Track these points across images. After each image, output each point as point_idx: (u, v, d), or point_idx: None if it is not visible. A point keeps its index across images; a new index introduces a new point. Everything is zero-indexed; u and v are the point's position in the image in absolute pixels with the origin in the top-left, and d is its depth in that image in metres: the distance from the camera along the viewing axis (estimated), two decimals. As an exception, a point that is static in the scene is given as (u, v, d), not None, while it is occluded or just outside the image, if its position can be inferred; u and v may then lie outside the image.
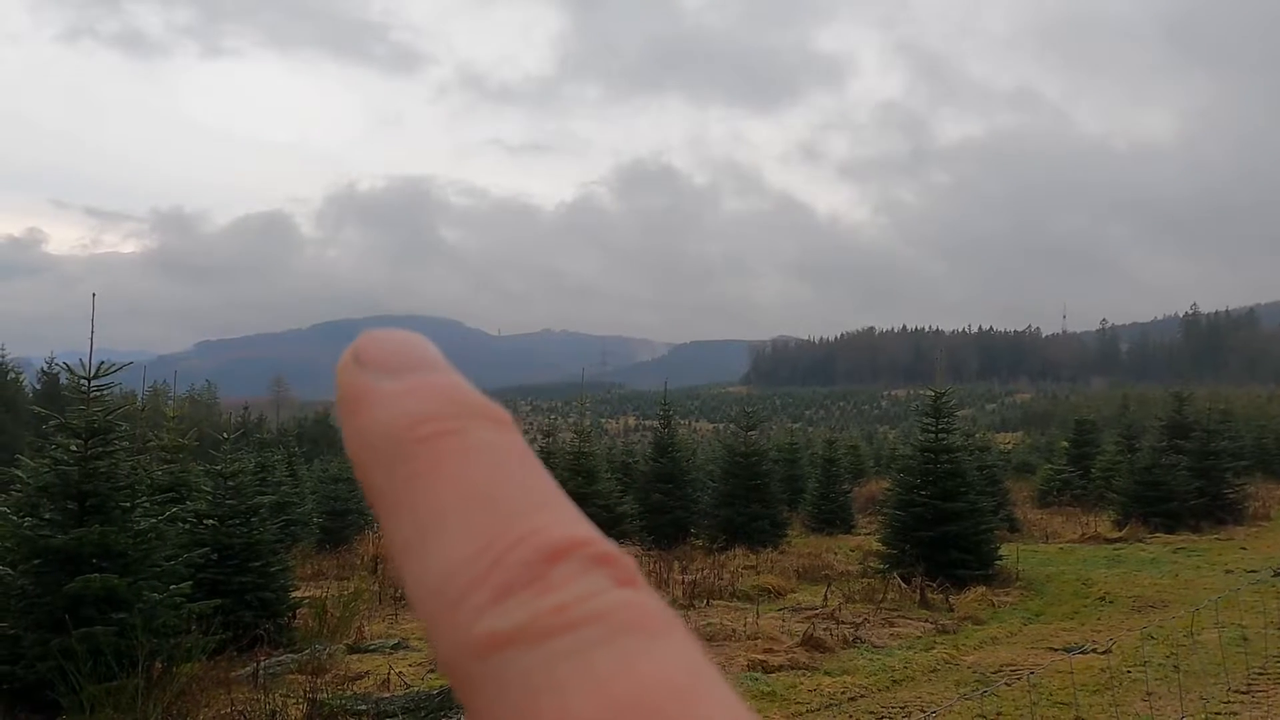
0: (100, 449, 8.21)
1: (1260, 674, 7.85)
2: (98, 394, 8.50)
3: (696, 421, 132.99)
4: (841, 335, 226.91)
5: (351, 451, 0.38)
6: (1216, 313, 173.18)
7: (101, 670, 6.72)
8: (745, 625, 10.03)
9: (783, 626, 10.12)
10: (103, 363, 8.69)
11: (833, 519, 22.35)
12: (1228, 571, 14.50)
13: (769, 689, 7.71)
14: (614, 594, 0.38)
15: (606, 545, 0.38)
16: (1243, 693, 7.28)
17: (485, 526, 0.38)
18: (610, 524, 17.17)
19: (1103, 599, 12.46)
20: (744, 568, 14.89)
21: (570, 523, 0.38)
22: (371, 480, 0.38)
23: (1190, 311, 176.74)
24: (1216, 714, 6.71)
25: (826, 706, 7.38)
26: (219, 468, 10.36)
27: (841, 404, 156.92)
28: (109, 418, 8.36)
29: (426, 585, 0.38)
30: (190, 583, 8.30)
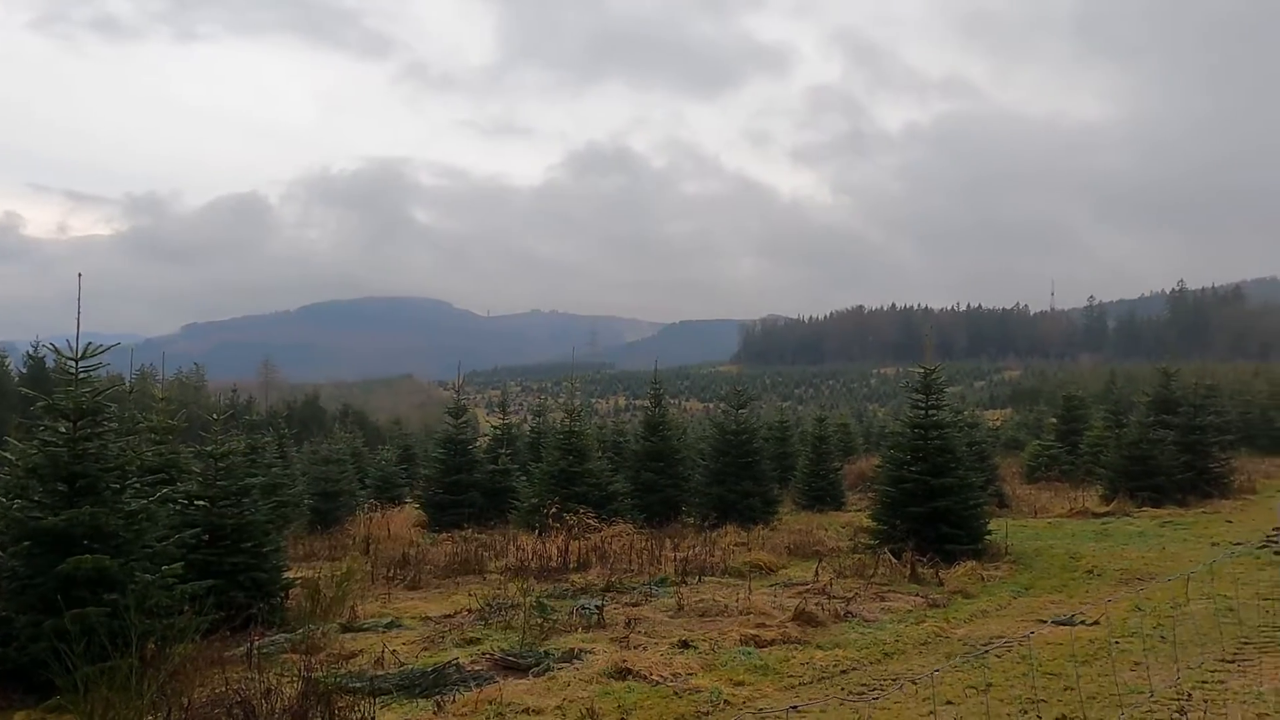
0: (89, 430, 8.16)
1: (1246, 643, 7.94)
2: (85, 375, 8.43)
3: (687, 400, 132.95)
4: (831, 314, 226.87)
5: None
6: (1203, 289, 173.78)
7: (95, 651, 6.70)
8: (738, 601, 10.09)
9: (775, 602, 10.18)
10: (89, 344, 8.61)
11: (823, 496, 22.47)
12: (1214, 544, 14.65)
13: (762, 663, 7.77)
14: None
15: None
16: (1229, 662, 7.37)
17: None
18: (602, 502, 17.21)
19: (1090, 572, 12.58)
20: (735, 545, 14.96)
21: None
22: None
23: (1177, 288, 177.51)
24: (1204, 682, 6.79)
25: (819, 680, 7.44)
26: (209, 449, 10.31)
27: (831, 382, 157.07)
28: (97, 399, 8.29)
29: None
30: (182, 563, 8.29)
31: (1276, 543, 13.73)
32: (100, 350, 8.61)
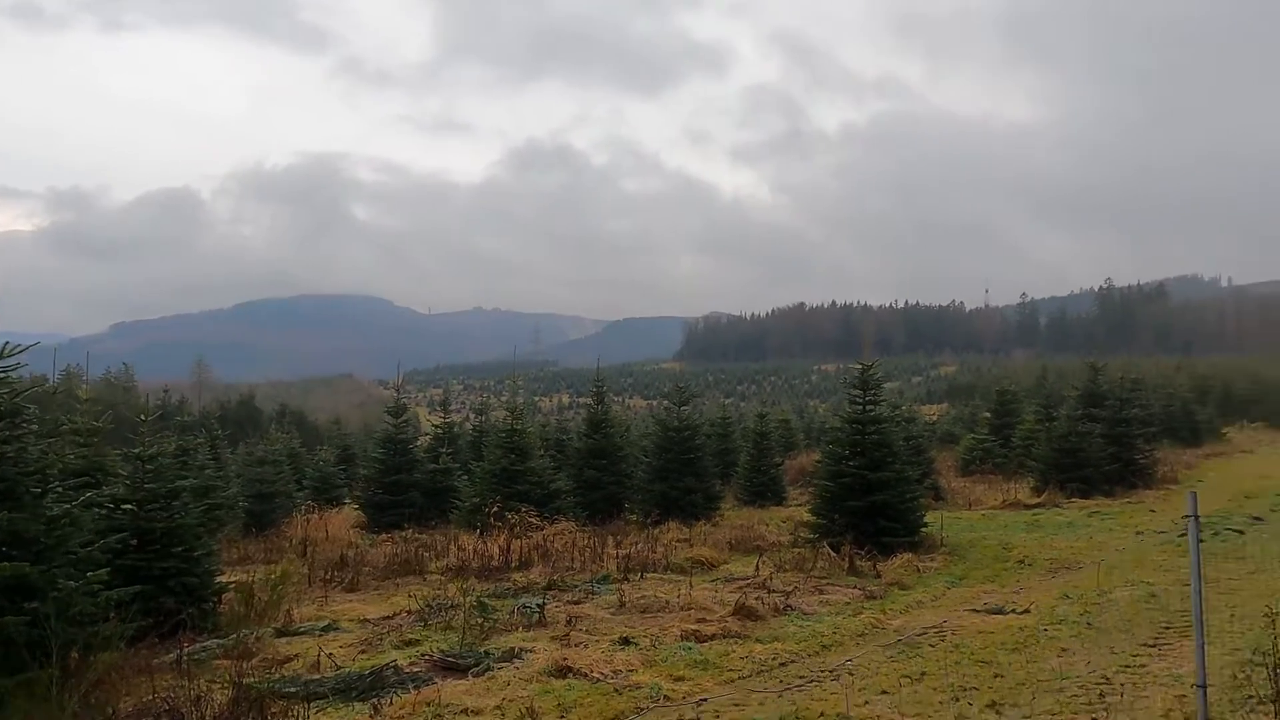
0: (8, 433, 7.85)
1: (1167, 628, 8.23)
2: (4, 376, 8.11)
3: (630, 398, 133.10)
4: (772, 311, 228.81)
5: None
6: (1129, 287, 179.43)
7: (13, 662, 6.46)
8: (679, 596, 10.14)
9: (715, 597, 10.25)
10: (7, 343, 8.30)
11: (764, 491, 22.69)
12: (1138, 533, 15.15)
13: (702, 658, 7.82)
14: None
15: None
16: (1151, 646, 7.63)
17: None
18: (544, 501, 17.14)
19: (1022, 562, 12.92)
20: (677, 541, 15.02)
21: None
22: None
23: (1105, 286, 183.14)
24: (1126, 667, 7.02)
25: (758, 672, 7.51)
26: (137, 451, 10.01)
27: (773, 379, 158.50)
28: (16, 400, 7.99)
29: None
30: (108, 569, 8.02)
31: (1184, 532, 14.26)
32: (19, 350, 8.28)
